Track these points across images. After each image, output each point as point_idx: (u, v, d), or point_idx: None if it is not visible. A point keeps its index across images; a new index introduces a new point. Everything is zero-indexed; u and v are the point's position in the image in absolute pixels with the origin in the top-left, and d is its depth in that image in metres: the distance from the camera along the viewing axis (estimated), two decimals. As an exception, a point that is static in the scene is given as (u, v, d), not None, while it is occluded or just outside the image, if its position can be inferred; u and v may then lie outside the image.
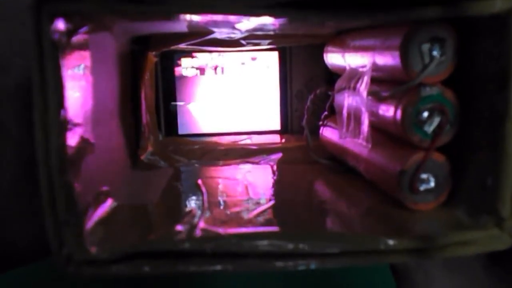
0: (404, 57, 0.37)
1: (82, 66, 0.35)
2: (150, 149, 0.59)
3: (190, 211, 0.38)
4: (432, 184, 0.38)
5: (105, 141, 0.42)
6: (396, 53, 0.37)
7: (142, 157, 0.56)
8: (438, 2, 0.30)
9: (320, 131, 0.60)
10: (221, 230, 0.33)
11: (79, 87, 0.35)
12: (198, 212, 0.37)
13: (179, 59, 0.67)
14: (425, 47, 0.36)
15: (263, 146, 0.62)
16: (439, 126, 0.37)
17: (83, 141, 0.35)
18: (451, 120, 0.37)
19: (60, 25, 0.28)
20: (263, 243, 0.31)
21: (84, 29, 0.32)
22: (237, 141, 0.66)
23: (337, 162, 0.55)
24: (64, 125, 0.30)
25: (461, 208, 0.37)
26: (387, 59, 0.40)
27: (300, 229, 0.35)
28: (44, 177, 0.29)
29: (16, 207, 0.37)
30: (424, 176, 0.38)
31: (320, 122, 0.59)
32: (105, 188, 0.39)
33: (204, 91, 0.69)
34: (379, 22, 0.37)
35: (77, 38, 0.31)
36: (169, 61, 0.67)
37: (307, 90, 0.69)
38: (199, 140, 0.66)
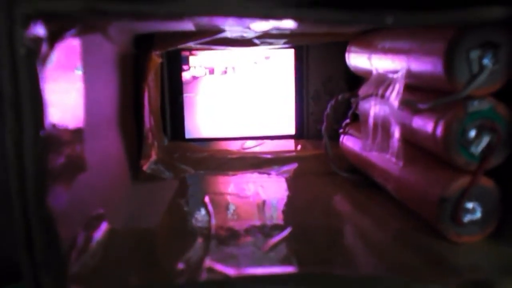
0: (449, 65, 0.31)
1: (71, 74, 0.30)
2: (153, 156, 0.54)
3: (195, 241, 0.33)
4: (479, 214, 0.32)
5: (101, 156, 0.38)
6: (439, 60, 0.32)
7: (145, 167, 0.51)
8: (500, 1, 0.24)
9: (341, 139, 0.54)
10: (230, 271, 0.28)
11: (67, 99, 0.30)
12: (204, 244, 0.32)
13: (187, 57, 0.62)
14: (475, 54, 0.30)
15: (276, 155, 0.57)
16: (489, 147, 0.31)
17: (72, 160, 0.30)
18: (503, 139, 0.31)
19: (38, 29, 0.22)
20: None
21: (71, 32, 0.27)
22: (248, 148, 0.61)
23: (359, 174, 0.50)
24: (46, 147, 0.25)
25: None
26: (426, 66, 0.34)
27: (320, 266, 0.30)
28: (19, 208, 0.24)
29: (10, 220, 0.32)
30: (469, 205, 0.32)
31: (341, 130, 0.54)
32: (99, 211, 0.34)
33: (213, 92, 0.64)
34: (424, 25, 0.31)
35: (62, 43, 0.26)
36: (176, 59, 0.62)
37: (324, 91, 0.64)
38: (207, 146, 0.61)
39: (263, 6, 0.23)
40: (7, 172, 0.26)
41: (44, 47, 0.24)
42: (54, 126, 0.27)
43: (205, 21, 0.33)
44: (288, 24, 0.32)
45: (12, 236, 0.34)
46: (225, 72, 0.63)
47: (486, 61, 0.30)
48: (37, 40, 0.23)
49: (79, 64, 0.31)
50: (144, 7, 0.22)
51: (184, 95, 0.62)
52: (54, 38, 0.25)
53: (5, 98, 0.23)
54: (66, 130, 0.29)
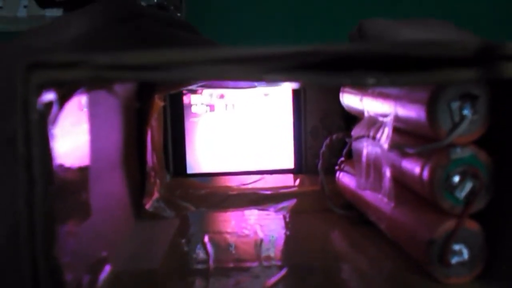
0: (432, 114, 0.33)
1: (79, 127, 0.32)
2: (156, 194, 0.56)
3: (194, 282, 0.34)
4: (466, 256, 0.34)
5: (105, 199, 0.39)
6: (422, 109, 0.34)
7: (148, 206, 0.52)
8: (470, 64, 0.26)
9: (337, 176, 0.56)
10: (227, 314, 0.29)
11: (75, 150, 0.32)
12: (203, 285, 0.34)
13: (188, 95, 0.65)
14: (455, 105, 0.32)
15: (275, 191, 0.58)
16: (472, 192, 0.33)
17: (78, 207, 0.32)
18: (485, 185, 0.33)
19: (49, 95, 0.25)
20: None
21: (80, 91, 0.29)
22: (248, 183, 0.63)
23: (354, 211, 0.51)
24: (54, 200, 0.27)
25: (500, 284, 0.33)
26: (411, 113, 0.36)
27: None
28: (28, 260, 0.26)
29: (12, 260, 0.33)
30: (456, 247, 0.33)
31: (337, 167, 0.56)
32: (103, 254, 0.36)
33: (214, 128, 0.66)
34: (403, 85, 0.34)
35: (71, 102, 0.29)
36: (178, 98, 0.64)
37: (322, 126, 0.66)
38: (208, 182, 0.63)
39: (254, 72, 0.25)
40: (16, 225, 0.28)
41: (55, 109, 0.26)
42: (61, 177, 0.29)
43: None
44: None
45: (14, 276, 0.35)
46: (226, 109, 0.65)
47: (466, 112, 0.32)
48: (48, 104, 0.25)
49: (85, 116, 0.33)
50: (147, 75, 0.24)
51: (190, 119, 0.65)
52: (63, 99, 0.27)
53: (19, 158, 0.25)
54: (73, 180, 0.31)
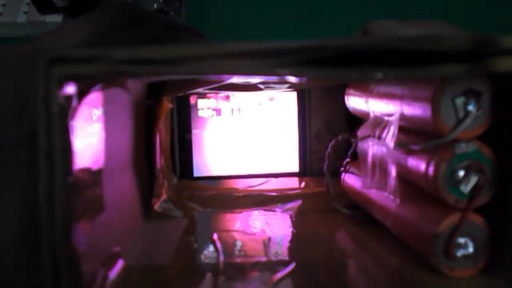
0: (436, 111, 0.34)
1: (94, 124, 0.33)
2: (164, 195, 0.57)
3: (204, 277, 0.35)
4: (471, 249, 0.34)
5: (117, 197, 0.40)
6: (427, 106, 0.35)
7: (156, 206, 0.53)
8: (465, 58, 0.27)
9: (342, 177, 0.57)
10: (238, 305, 0.30)
11: (90, 146, 0.33)
12: (213, 280, 0.34)
13: (195, 100, 0.66)
14: (459, 101, 0.33)
15: (281, 193, 0.59)
16: (477, 186, 0.34)
17: (93, 201, 0.33)
18: (490, 179, 0.34)
19: (70, 88, 0.26)
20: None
21: (97, 87, 0.30)
22: (254, 186, 0.64)
23: (360, 211, 0.52)
24: (71, 191, 0.28)
25: (504, 277, 0.33)
26: (417, 111, 0.37)
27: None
28: (47, 249, 0.27)
29: (22, 257, 0.34)
30: (461, 240, 0.34)
31: (342, 168, 0.56)
32: (115, 249, 0.36)
33: (220, 132, 0.67)
34: (409, 78, 0.35)
35: (89, 98, 0.30)
36: (185, 102, 0.66)
37: (326, 130, 0.67)
38: (215, 185, 0.64)
39: (265, 66, 0.26)
40: (33, 217, 0.29)
41: (74, 103, 0.27)
42: (78, 171, 0.30)
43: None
44: (288, 78, 0.35)
45: (22, 275, 0.36)
46: (232, 113, 0.66)
47: (470, 107, 0.33)
48: (68, 98, 0.26)
49: (101, 113, 0.34)
50: (163, 69, 0.25)
51: (193, 132, 0.66)
52: (82, 94, 0.28)
53: (40, 151, 0.26)
54: (88, 175, 0.32)
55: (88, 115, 0.32)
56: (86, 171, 0.32)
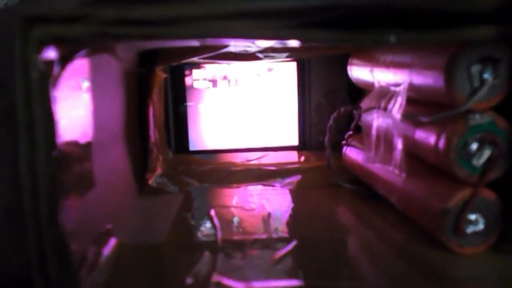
0: (450, 79, 0.32)
1: (80, 93, 0.31)
2: (159, 170, 0.54)
3: (202, 255, 0.33)
4: (481, 225, 0.33)
5: (109, 171, 0.38)
6: (440, 74, 0.32)
7: (150, 181, 0.51)
8: (491, 20, 0.25)
9: (344, 150, 0.55)
10: (238, 285, 0.28)
11: (77, 117, 0.30)
12: (211, 258, 0.33)
13: (190, 70, 0.63)
14: (475, 68, 0.31)
15: (280, 167, 0.57)
16: (490, 160, 0.32)
17: (82, 177, 0.31)
18: (504, 152, 0.32)
19: (51, 53, 0.23)
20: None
21: (82, 53, 0.27)
22: (252, 159, 0.62)
23: (362, 185, 0.50)
24: (57, 166, 0.25)
25: (514, 253, 0.32)
26: (428, 80, 0.35)
27: (325, 278, 0.31)
28: (32, 226, 0.24)
29: (11, 235, 0.32)
30: (472, 216, 0.33)
31: (344, 142, 0.54)
32: (107, 227, 0.35)
33: (216, 104, 0.64)
34: (421, 43, 0.32)
35: (73, 64, 0.27)
36: (179, 73, 0.63)
37: (327, 103, 0.65)
38: (211, 159, 0.61)
39: (269, 28, 0.24)
40: (20, 192, 0.27)
41: (56, 69, 0.25)
42: (64, 145, 0.28)
43: (212, 40, 0.33)
44: (293, 42, 0.32)
45: (12, 252, 0.34)
46: (229, 84, 0.64)
47: (486, 76, 0.31)
48: (49, 63, 0.24)
49: (87, 82, 0.32)
50: (157, 31, 0.23)
51: (187, 104, 0.63)
52: (65, 59, 0.26)
53: (19, 122, 0.23)
54: (76, 148, 0.30)
55: (74, 84, 0.29)
56: (74, 144, 0.29)
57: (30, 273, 0.25)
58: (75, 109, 0.31)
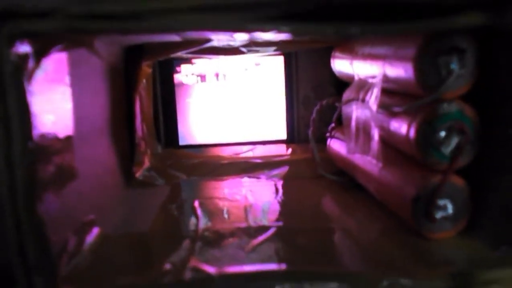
0: (418, 70, 0.33)
1: (59, 87, 0.32)
2: (147, 164, 0.55)
3: (182, 243, 0.34)
4: (451, 211, 0.34)
5: (92, 164, 0.39)
6: (409, 65, 0.33)
7: (138, 174, 0.52)
8: (475, 7, 0.26)
9: (328, 143, 0.56)
10: (213, 270, 0.29)
11: (56, 110, 0.31)
12: (190, 245, 0.34)
13: (179, 66, 0.64)
14: (442, 59, 0.32)
15: (266, 160, 0.58)
16: (458, 147, 0.33)
17: (62, 168, 0.32)
18: (471, 140, 0.33)
19: (24, 47, 0.24)
20: (260, 285, 0.27)
21: (58, 47, 0.28)
22: (240, 153, 0.63)
23: (345, 176, 0.51)
24: (35, 157, 0.26)
25: (482, 238, 0.33)
26: (399, 71, 0.36)
27: (303, 263, 0.32)
28: (10, 216, 0.26)
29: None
30: (441, 202, 0.33)
31: (328, 134, 0.55)
32: (90, 217, 0.36)
33: (205, 99, 0.65)
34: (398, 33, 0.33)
35: (49, 58, 0.28)
36: (168, 68, 0.64)
37: (314, 96, 0.65)
38: (200, 153, 0.63)
39: (234, 21, 0.25)
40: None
41: (31, 63, 0.26)
42: (43, 136, 0.29)
43: (188, 33, 0.34)
44: (266, 35, 0.33)
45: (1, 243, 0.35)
46: (217, 79, 0.65)
47: (453, 66, 0.32)
48: (23, 57, 0.25)
49: (66, 75, 0.33)
50: (125, 25, 0.24)
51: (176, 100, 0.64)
52: (40, 54, 0.27)
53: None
54: (55, 140, 0.31)
55: (52, 78, 0.30)
56: (52, 136, 0.30)
57: (10, 261, 0.26)
58: (54, 102, 0.32)
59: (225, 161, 0.59)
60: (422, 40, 0.32)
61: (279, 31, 0.25)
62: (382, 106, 0.39)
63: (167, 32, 0.27)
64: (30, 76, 0.26)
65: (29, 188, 0.26)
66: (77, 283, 0.29)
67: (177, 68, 0.64)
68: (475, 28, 0.28)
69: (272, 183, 0.53)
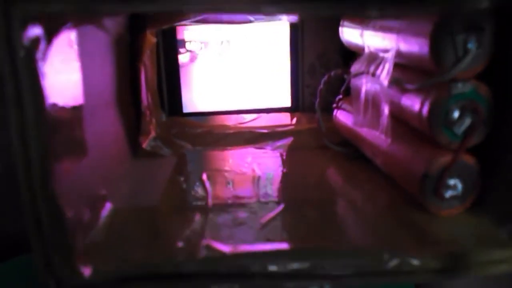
0: (434, 47, 0.32)
1: (69, 62, 0.31)
2: (152, 133, 0.55)
3: (193, 218, 0.35)
4: (460, 189, 0.34)
5: (101, 137, 0.39)
6: (425, 42, 0.33)
7: (144, 144, 0.52)
8: None
9: (334, 113, 0.55)
10: (226, 248, 0.30)
11: (66, 86, 0.31)
12: (202, 221, 0.34)
13: (182, 32, 0.62)
14: (460, 37, 0.31)
15: (272, 130, 0.58)
16: (471, 127, 0.33)
17: (73, 142, 0.32)
18: (484, 119, 0.33)
19: (36, 30, 0.23)
20: (272, 264, 0.28)
21: (67, 25, 0.27)
22: (245, 122, 0.62)
23: (350, 147, 0.52)
24: (47, 133, 0.26)
25: (490, 215, 0.34)
26: (413, 47, 0.35)
27: (312, 242, 0.32)
28: (26, 191, 0.26)
29: (9, 195, 0.34)
30: (451, 181, 0.34)
31: (334, 105, 0.55)
32: (102, 192, 0.36)
33: (209, 66, 0.64)
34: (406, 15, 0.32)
35: (59, 37, 0.27)
36: (171, 35, 0.62)
37: (320, 64, 0.65)
38: (205, 121, 0.62)
39: (254, 3, 0.24)
40: (12, 157, 0.28)
41: (42, 45, 0.25)
42: (53, 110, 0.28)
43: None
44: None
45: (14, 213, 0.36)
46: (221, 46, 0.63)
47: (470, 45, 0.31)
48: (35, 40, 0.24)
49: (75, 51, 0.32)
50: (137, 7, 0.23)
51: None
52: (51, 34, 0.26)
53: (7, 97, 0.24)
54: (66, 113, 0.31)
55: (62, 54, 0.30)
56: (63, 109, 0.30)
57: (27, 235, 0.27)
58: (64, 77, 0.31)
59: (230, 131, 0.59)
60: (440, 17, 0.31)
61: (295, 12, 0.25)
62: (393, 81, 0.39)
63: (180, 15, 0.26)
64: (42, 58, 0.25)
65: (44, 161, 0.26)
66: (93, 257, 0.30)
67: (181, 35, 0.62)
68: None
69: (278, 154, 0.53)
